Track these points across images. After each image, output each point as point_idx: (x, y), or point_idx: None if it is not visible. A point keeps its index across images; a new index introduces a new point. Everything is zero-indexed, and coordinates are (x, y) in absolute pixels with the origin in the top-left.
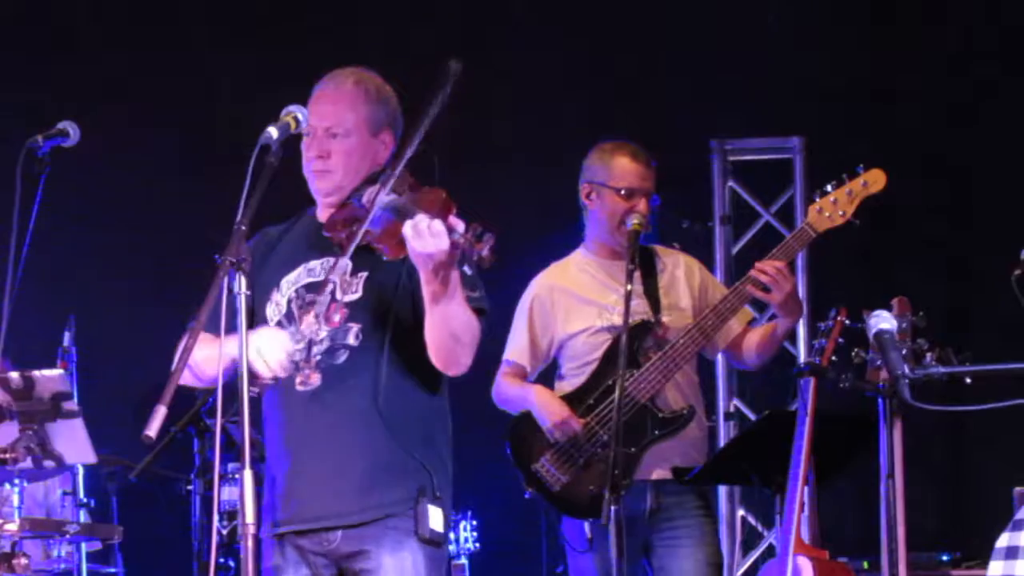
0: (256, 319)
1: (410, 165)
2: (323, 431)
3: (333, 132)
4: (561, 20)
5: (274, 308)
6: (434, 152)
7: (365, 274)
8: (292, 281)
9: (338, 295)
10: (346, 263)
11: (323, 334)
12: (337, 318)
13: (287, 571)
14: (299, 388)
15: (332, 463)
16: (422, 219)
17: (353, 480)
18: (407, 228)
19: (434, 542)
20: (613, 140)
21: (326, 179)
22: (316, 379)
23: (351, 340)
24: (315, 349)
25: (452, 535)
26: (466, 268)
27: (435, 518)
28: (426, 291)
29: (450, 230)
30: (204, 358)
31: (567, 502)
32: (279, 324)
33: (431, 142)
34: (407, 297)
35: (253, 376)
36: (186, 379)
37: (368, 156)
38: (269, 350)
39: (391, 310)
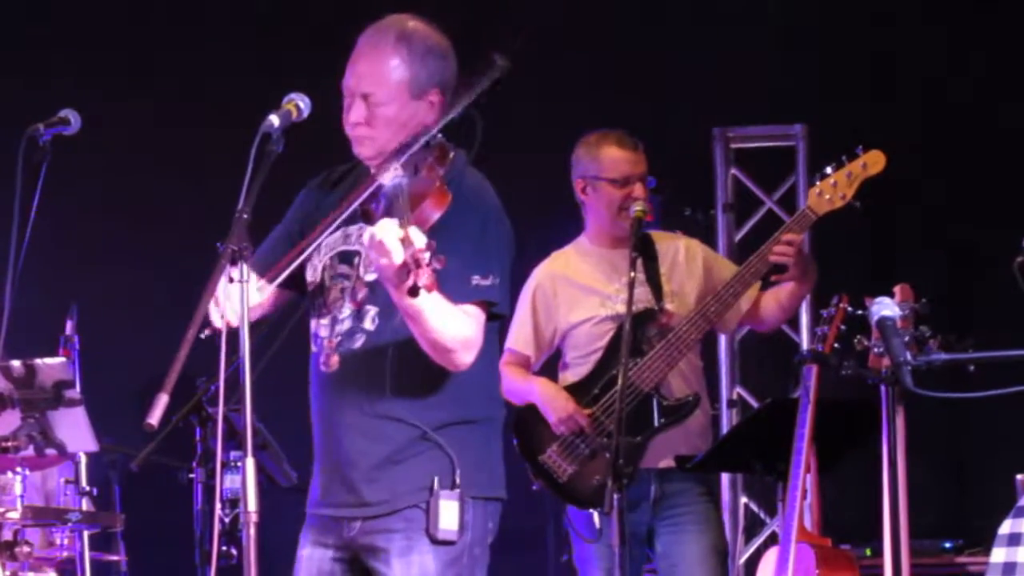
0: (303, 281)
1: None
2: (337, 417)
3: (369, 96)
4: (562, 8)
5: (312, 272)
6: (479, 115)
7: None
8: (329, 244)
9: (362, 271)
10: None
11: (346, 313)
12: (360, 297)
13: (310, 550)
14: (323, 369)
15: (344, 451)
16: (380, 228)
17: (363, 470)
18: (365, 234)
19: (448, 542)
20: (596, 131)
21: (365, 145)
22: (335, 362)
23: (368, 324)
24: (337, 329)
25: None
26: (479, 247)
27: (448, 514)
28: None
29: (406, 243)
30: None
31: (574, 493)
32: (314, 292)
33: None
34: None
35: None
36: None
37: (411, 121)
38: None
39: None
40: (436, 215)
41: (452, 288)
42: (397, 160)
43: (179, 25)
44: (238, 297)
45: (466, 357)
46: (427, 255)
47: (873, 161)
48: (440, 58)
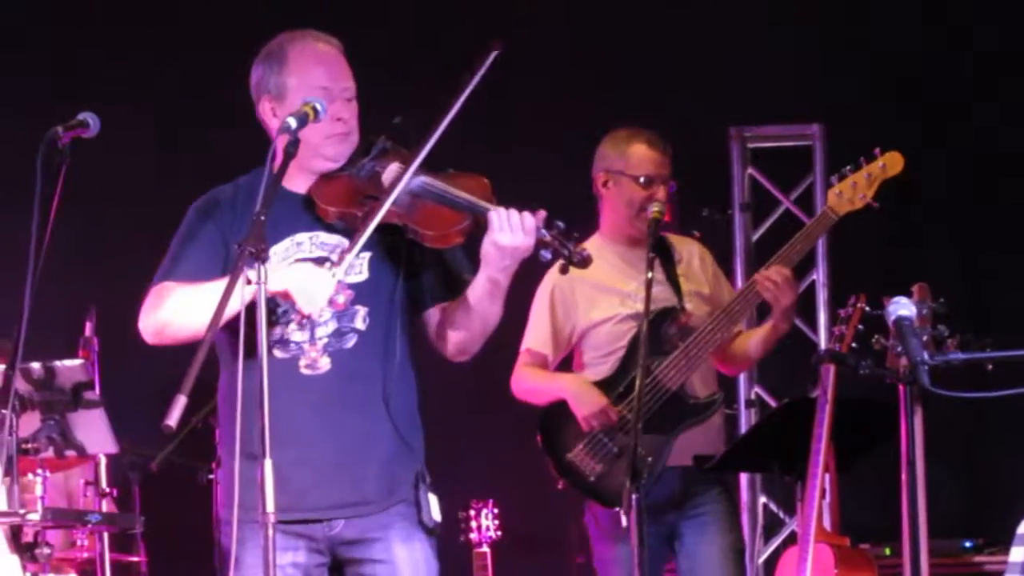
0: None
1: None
2: (330, 418)
3: (348, 95)
4: (578, 7)
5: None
6: (409, 122)
7: (370, 254)
8: (280, 254)
9: (341, 275)
10: (343, 241)
11: (327, 315)
12: (342, 300)
13: (280, 554)
14: (304, 372)
15: (340, 452)
16: (513, 212)
17: (362, 470)
18: (495, 219)
19: (435, 532)
20: (627, 127)
21: (346, 143)
22: (325, 363)
23: (359, 324)
24: (320, 331)
25: (474, 523)
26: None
27: (435, 507)
28: (485, 282)
29: (538, 227)
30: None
31: (603, 491)
32: (273, 300)
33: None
34: (412, 281)
35: (287, 310)
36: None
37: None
38: (315, 290)
39: (398, 295)
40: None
41: (455, 284)
42: (408, 163)
43: (200, 26)
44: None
45: (480, 346)
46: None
47: (892, 162)
48: None
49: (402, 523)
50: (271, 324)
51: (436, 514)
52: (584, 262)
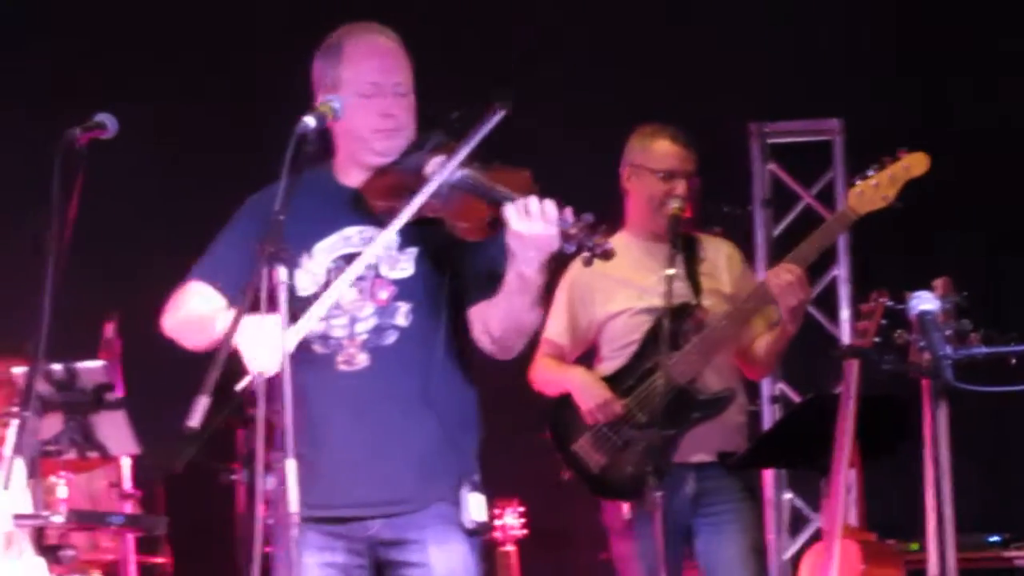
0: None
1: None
2: (368, 415)
3: (400, 90)
4: (598, 5)
5: (308, 277)
6: (467, 117)
7: (416, 250)
8: (327, 249)
9: (383, 271)
10: (394, 237)
11: (367, 311)
12: (384, 295)
13: (316, 555)
14: (342, 368)
15: (376, 449)
16: (531, 201)
17: (396, 467)
18: (510, 210)
19: (478, 532)
20: (654, 124)
21: (396, 138)
22: (363, 360)
23: (401, 320)
24: (359, 327)
25: (499, 522)
26: None
27: (478, 506)
28: (516, 279)
29: (560, 217)
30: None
31: (605, 484)
32: (315, 296)
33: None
34: (460, 280)
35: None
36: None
37: (415, 117)
38: (261, 349)
39: (443, 292)
40: (568, 212)
41: (493, 281)
42: (451, 157)
43: (225, 28)
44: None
45: (524, 344)
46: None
47: (916, 163)
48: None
49: (440, 524)
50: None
51: (479, 515)
52: (606, 255)
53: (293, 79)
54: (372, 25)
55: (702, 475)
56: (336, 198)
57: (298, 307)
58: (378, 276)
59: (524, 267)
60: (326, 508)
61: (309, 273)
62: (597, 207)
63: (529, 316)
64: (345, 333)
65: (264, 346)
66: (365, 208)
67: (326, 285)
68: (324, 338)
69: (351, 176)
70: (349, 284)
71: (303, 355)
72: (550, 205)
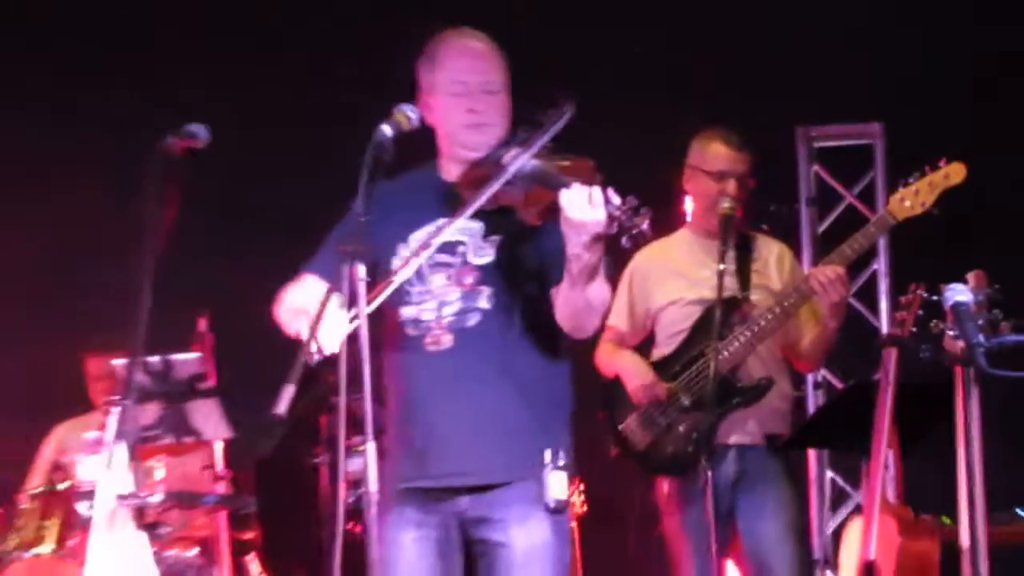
0: (379, 271)
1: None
2: (453, 392)
3: (488, 88)
4: (652, 15)
5: (402, 263)
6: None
7: (498, 238)
8: (421, 238)
9: (470, 257)
10: (477, 225)
11: (454, 296)
12: (469, 280)
13: (406, 528)
14: (429, 348)
15: (461, 423)
16: (580, 188)
17: (481, 441)
18: (564, 196)
19: (559, 511)
20: (714, 128)
21: (484, 132)
22: (448, 340)
23: (483, 303)
24: (446, 311)
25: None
26: None
27: (559, 485)
28: (572, 261)
29: (607, 201)
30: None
31: (649, 460)
32: (408, 281)
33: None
34: (538, 263)
35: (421, 290)
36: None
37: (507, 114)
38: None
39: (523, 275)
40: (616, 197)
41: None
42: (522, 148)
43: (298, 40)
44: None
45: (599, 321)
46: (630, 211)
47: (955, 172)
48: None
49: (522, 502)
50: (406, 304)
51: (559, 493)
52: (641, 236)
53: (383, 89)
54: (464, 30)
55: (742, 456)
56: (435, 192)
57: (394, 293)
58: (465, 263)
59: (577, 248)
60: (420, 479)
61: (402, 259)
62: (651, 205)
63: (594, 295)
64: (433, 316)
65: (331, 326)
66: (457, 200)
67: (418, 273)
68: (415, 321)
69: (449, 171)
70: (433, 265)
71: (399, 338)
72: (596, 191)
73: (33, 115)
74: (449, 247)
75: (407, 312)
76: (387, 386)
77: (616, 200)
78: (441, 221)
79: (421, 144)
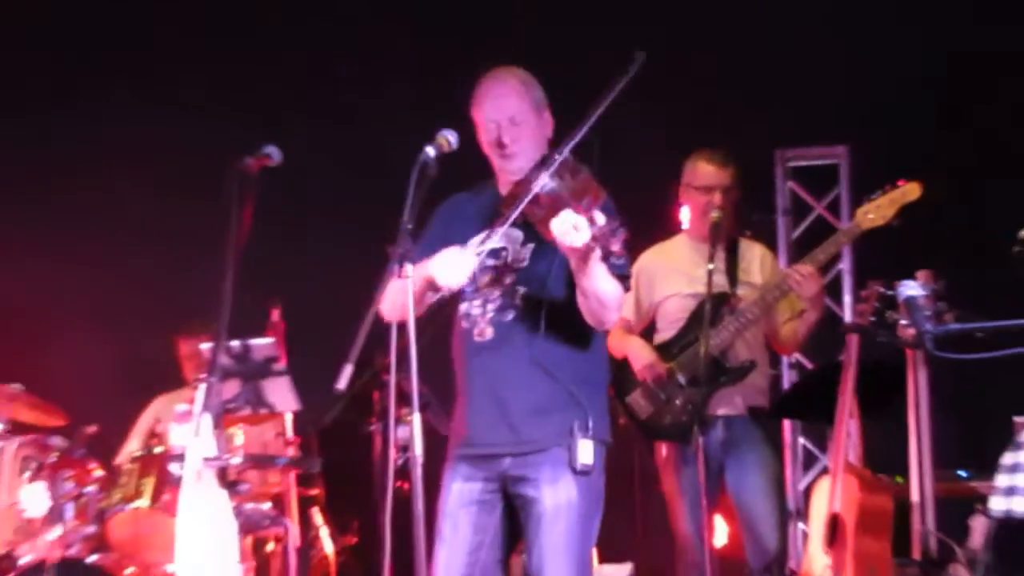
0: None
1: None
2: (492, 375)
3: (515, 121)
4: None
5: None
6: (597, 137)
7: (532, 245)
8: (476, 243)
9: (510, 261)
10: (518, 233)
11: (496, 294)
12: (508, 281)
13: (456, 480)
14: (477, 339)
15: (499, 402)
16: (568, 216)
17: (517, 417)
18: (554, 224)
19: (585, 473)
20: (701, 149)
21: (515, 160)
22: (489, 332)
23: (519, 301)
24: (489, 306)
25: None
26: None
27: (585, 451)
28: (572, 269)
29: (592, 223)
30: (391, 306)
31: (650, 428)
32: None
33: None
34: (563, 267)
35: (436, 287)
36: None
37: (539, 135)
38: (450, 267)
39: (551, 277)
40: (596, 207)
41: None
42: (546, 171)
43: (363, 62)
44: (449, 264)
45: (614, 315)
46: (610, 231)
47: (912, 190)
48: (538, 86)
49: (553, 465)
50: (463, 300)
51: (586, 458)
52: (611, 255)
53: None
54: (497, 71)
55: (729, 425)
56: (490, 204)
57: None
58: (506, 265)
59: (573, 260)
60: (469, 447)
61: None
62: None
63: (602, 294)
64: (479, 311)
65: (451, 265)
66: (499, 214)
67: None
68: (467, 315)
69: (503, 186)
70: (481, 268)
71: (457, 330)
72: (581, 220)
73: (123, 105)
74: (495, 252)
75: (463, 307)
76: (454, 370)
77: (600, 222)
78: (485, 232)
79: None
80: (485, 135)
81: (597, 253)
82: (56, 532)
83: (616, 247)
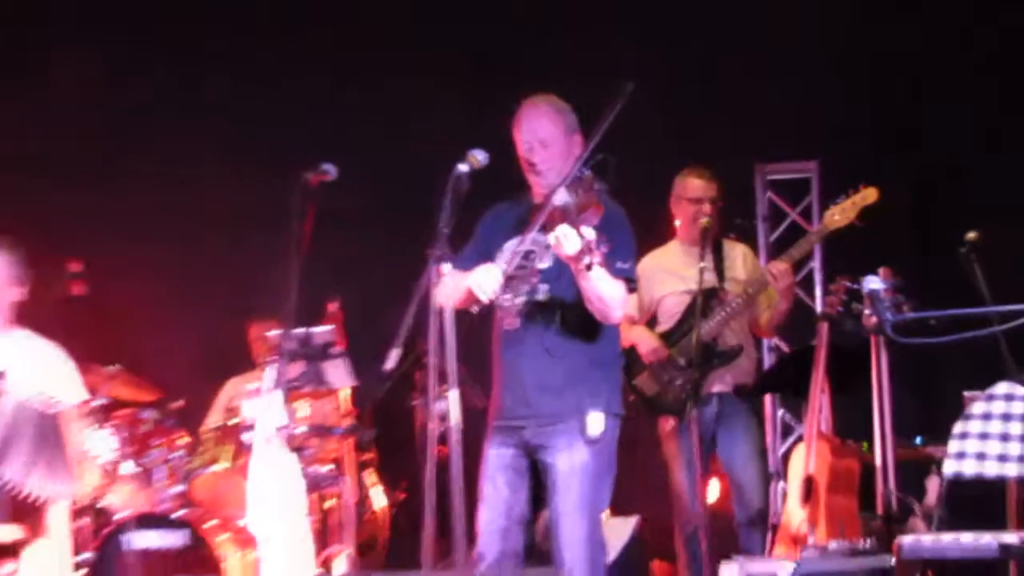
0: None
1: (591, 167)
2: (516, 358)
3: (544, 143)
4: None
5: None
6: (611, 156)
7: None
8: (511, 247)
9: (536, 262)
10: (543, 239)
11: (523, 290)
12: (534, 280)
13: (496, 450)
14: (507, 328)
15: (520, 381)
16: (561, 228)
17: (530, 394)
18: (551, 236)
19: (595, 441)
20: (690, 166)
21: (545, 176)
22: (516, 323)
23: (540, 297)
24: (518, 300)
25: None
26: (620, 244)
27: (594, 424)
28: (573, 271)
29: (581, 236)
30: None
31: (655, 404)
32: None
33: (607, 148)
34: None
35: (475, 300)
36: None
37: (568, 155)
38: (484, 282)
39: (567, 278)
40: (595, 220)
41: (607, 268)
42: (564, 186)
43: (418, 76)
44: (483, 279)
45: (617, 313)
46: (595, 243)
47: (870, 194)
48: (570, 112)
49: (567, 434)
50: (500, 294)
51: (595, 429)
52: (590, 267)
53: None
54: (535, 97)
55: (720, 401)
56: (524, 213)
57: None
58: (533, 266)
59: (570, 264)
60: (501, 419)
61: (499, 262)
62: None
63: (603, 293)
64: (509, 304)
65: (483, 280)
66: (530, 220)
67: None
68: (501, 307)
69: (536, 197)
70: (516, 268)
71: (494, 319)
72: (572, 233)
73: (218, 100)
74: (527, 254)
75: (498, 300)
76: (493, 353)
77: (589, 236)
78: (519, 238)
79: None
80: (521, 155)
81: (587, 260)
82: (148, 490)
83: (596, 259)
